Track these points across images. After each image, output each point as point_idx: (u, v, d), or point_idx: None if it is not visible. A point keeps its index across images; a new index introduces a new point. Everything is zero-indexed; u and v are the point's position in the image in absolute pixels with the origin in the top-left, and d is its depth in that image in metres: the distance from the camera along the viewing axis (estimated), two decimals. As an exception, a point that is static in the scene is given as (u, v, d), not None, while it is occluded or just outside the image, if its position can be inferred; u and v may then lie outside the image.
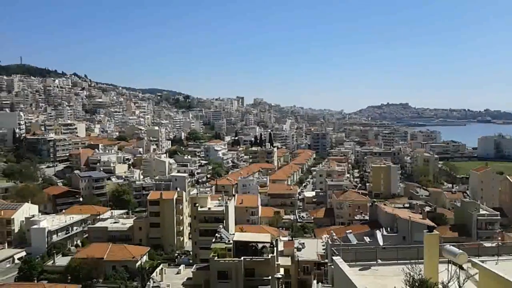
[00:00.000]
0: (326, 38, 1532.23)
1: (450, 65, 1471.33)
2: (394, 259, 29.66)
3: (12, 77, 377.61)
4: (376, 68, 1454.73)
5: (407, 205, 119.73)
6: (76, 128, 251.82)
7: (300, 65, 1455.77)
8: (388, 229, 70.12)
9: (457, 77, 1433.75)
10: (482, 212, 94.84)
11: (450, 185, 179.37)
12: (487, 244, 32.80)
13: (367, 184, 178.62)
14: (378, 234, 53.27)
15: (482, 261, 22.68)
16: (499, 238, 76.39)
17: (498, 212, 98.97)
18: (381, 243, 40.37)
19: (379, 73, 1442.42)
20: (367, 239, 63.55)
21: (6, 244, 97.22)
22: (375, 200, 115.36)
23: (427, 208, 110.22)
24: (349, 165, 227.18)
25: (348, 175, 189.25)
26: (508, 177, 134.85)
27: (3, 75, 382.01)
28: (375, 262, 29.55)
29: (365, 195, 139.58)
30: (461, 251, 22.73)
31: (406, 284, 7.21)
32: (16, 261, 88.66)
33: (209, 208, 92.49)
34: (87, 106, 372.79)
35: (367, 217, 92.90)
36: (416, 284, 6.97)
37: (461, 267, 22.34)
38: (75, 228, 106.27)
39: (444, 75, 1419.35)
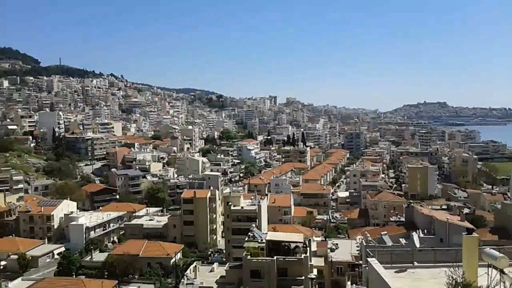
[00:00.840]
0: (360, 35, 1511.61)
1: (489, 62, 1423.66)
2: (431, 261, 28.95)
3: (52, 77, 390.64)
4: (413, 65, 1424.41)
5: (444, 207, 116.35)
6: (113, 127, 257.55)
7: (333, 63, 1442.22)
8: (425, 231, 68.48)
9: (497, 74, 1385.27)
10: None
11: (489, 187, 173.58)
12: (530, 248, 31.44)
13: (403, 185, 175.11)
14: (415, 236, 52.01)
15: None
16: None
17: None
18: (417, 245, 39.37)
19: (416, 71, 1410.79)
20: (403, 241, 62.25)
21: (46, 240, 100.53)
22: (411, 201, 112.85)
23: (466, 210, 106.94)
24: (384, 165, 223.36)
25: (383, 175, 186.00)
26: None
27: (43, 76, 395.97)
28: (412, 264, 28.93)
29: (401, 196, 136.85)
30: (502, 254, 21.95)
31: (448, 287, 6.93)
32: (56, 256, 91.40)
33: (242, 207, 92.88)
34: (123, 106, 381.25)
35: (402, 219, 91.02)
36: (459, 287, 6.68)
37: (502, 272, 21.54)
38: (111, 224, 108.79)
39: (483, 73, 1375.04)
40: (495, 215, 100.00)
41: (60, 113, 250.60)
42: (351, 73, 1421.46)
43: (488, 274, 21.37)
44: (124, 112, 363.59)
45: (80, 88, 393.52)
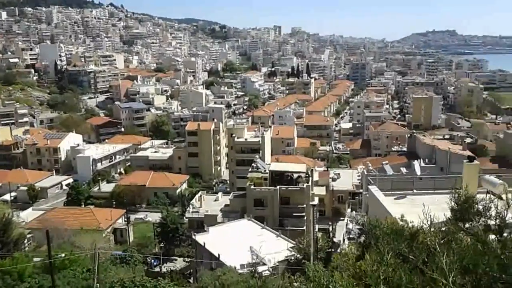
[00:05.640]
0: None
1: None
2: (431, 189, 29.32)
3: (51, 8, 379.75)
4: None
5: (447, 137, 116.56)
6: (114, 60, 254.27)
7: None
8: (426, 160, 69.19)
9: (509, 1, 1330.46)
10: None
11: (493, 116, 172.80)
12: (530, 175, 31.72)
13: (407, 115, 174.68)
14: (416, 165, 52.56)
15: (523, 191, 21.99)
16: (543, 171, 73.99)
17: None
18: (418, 173, 39.87)
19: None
20: (403, 170, 63.10)
21: (54, 172, 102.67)
22: (414, 131, 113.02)
23: (468, 140, 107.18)
24: (389, 96, 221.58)
25: (387, 106, 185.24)
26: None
27: (42, 7, 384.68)
28: (411, 191, 29.32)
29: (404, 126, 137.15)
30: (500, 181, 22.08)
31: (451, 200, 7.11)
32: (64, 187, 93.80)
33: (245, 139, 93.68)
34: (124, 37, 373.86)
35: (404, 149, 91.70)
36: (461, 198, 6.83)
37: (500, 198, 21.76)
38: (118, 156, 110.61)
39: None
40: (497, 144, 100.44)
41: (61, 45, 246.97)
42: (358, 0, 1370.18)
43: (485, 199, 21.58)
44: (126, 44, 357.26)
45: (80, 19, 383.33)
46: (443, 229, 7.10)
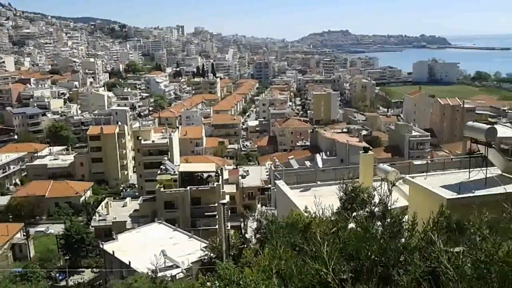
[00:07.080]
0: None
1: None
2: (332, 179, 31.24)
3: None
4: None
5: (345, 130, 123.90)
6: (3, 62, 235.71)
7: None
8: (328, 153, 73.26)
9: (395, 2, 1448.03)
10: (414, 133, 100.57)
11: (385, 110, 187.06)
12: (417, 162, 35.15)
13: (308, 111, 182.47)
14: (318, 158, 55.14)
15: (412, 177, 24.30)
16: (429, 157, 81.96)
17: (429, 133, 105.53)
18: (320, 166, 42.09)
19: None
20: (308, 163, 66.21)
21: None
22: (315, 126, 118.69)
23: (364, 132, 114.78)
24: (291, 93, 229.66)
25: (290, 103, 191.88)
26: (439, 100, 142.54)
27: None
28: (315, 183, 31.00)
29: (307, 122, 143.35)
30: (393, 168, 24.18)
31: (340, 191, 7.75)
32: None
33: (152, 141, 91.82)
34: (14, 38, 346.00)
35: (308, 143, 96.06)
36: (349, 188, 7.48)
37: (393, 184, 23.81)
38: (12, 166, 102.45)
39: (382, 1, 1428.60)
40: (389, 135, 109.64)
41: None
42: (258, 1, 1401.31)
43: (381, 187, 23.51)
44: (16, 44, 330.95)
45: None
46: (332, 218, 7.83)
